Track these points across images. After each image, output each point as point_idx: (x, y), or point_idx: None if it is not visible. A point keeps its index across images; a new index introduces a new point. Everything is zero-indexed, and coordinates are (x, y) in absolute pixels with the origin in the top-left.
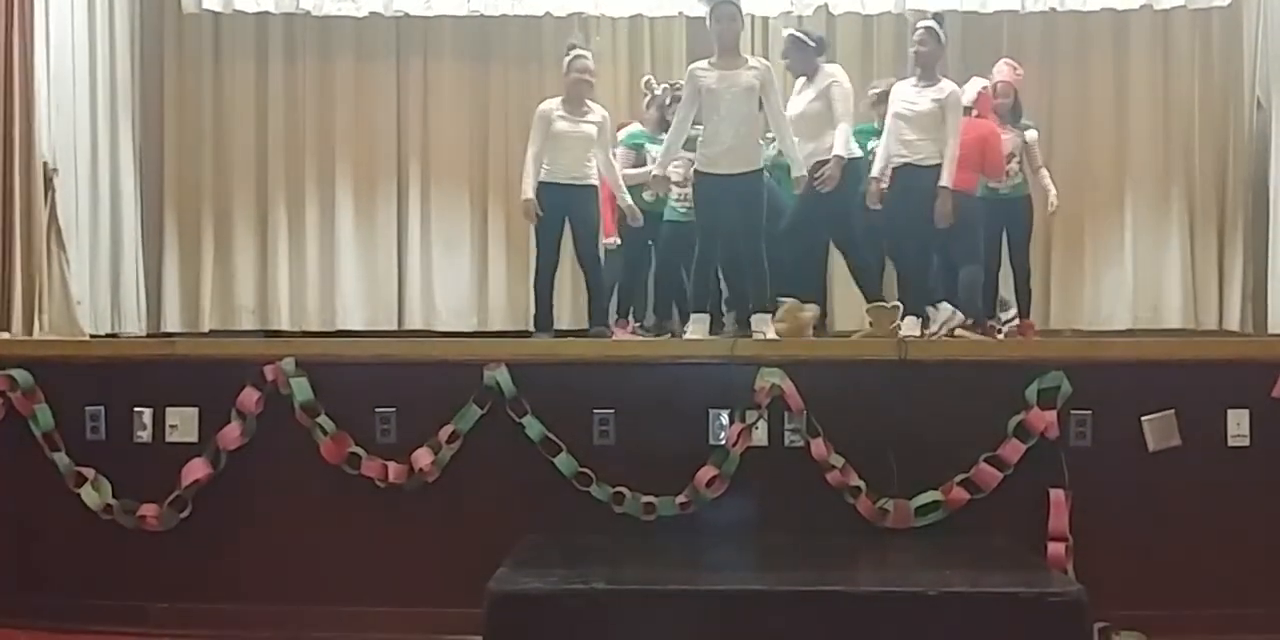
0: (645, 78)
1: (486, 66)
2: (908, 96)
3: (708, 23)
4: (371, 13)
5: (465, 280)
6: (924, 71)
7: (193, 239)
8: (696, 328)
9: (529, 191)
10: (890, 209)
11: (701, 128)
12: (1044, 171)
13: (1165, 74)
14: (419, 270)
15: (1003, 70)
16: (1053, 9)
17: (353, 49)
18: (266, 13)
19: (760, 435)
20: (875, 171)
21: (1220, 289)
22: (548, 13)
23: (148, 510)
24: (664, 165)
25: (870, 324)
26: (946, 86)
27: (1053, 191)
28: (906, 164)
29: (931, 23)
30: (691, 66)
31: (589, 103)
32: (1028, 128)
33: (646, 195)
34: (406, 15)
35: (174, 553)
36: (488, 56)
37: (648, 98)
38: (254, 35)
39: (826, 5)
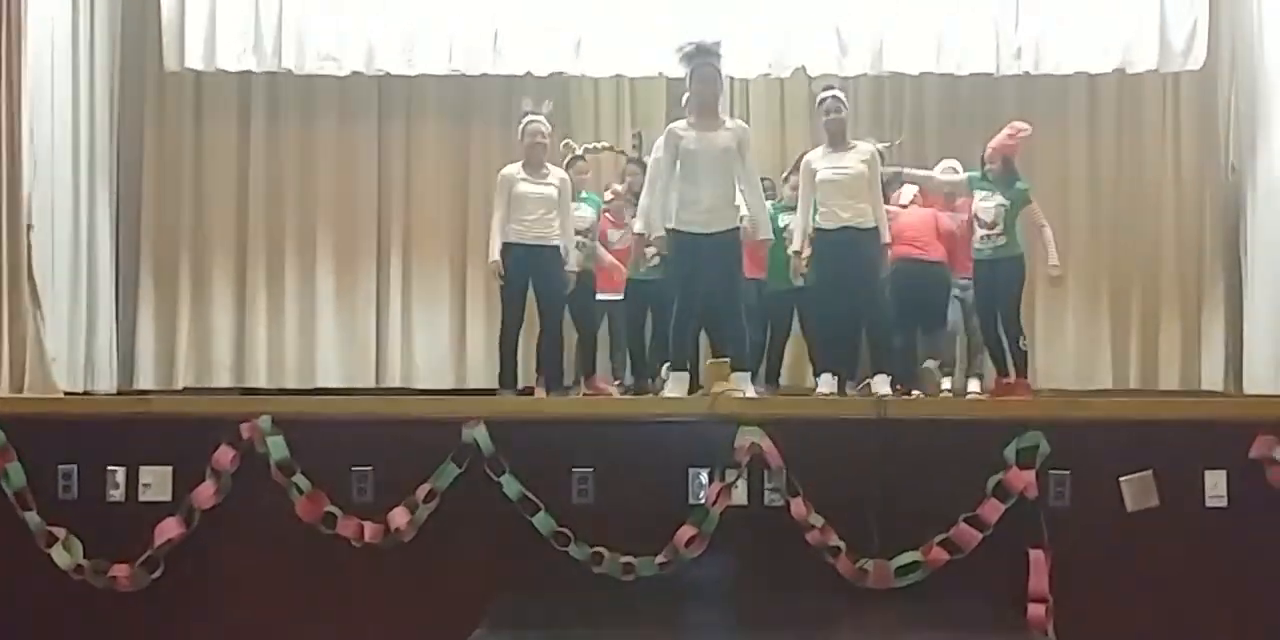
0: (564, 141)
1: (467, 126)
2: (830, 163)
3: (687, 83)
4: (353, 72)
5: (444, 338)
6: (838, 138)
7: (169, 296)
8: (675, 385)
9: (494, 254)
10: (832, 273)
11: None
12: (1046, 230)
13: (1140, 136)
14: (399, 328)
15: (1001, 135)
16: (1027, 72)
17: (335, 109)
18: (249, 72)
19: (740, 494)
20: (797, 244)
21: (1199, 350)
22: (529, 72)
23: (119, 570)
24: (649, 228)
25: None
26: (865, 148)
27: (1052, 253)
28: (845, 227)
29: (838, 92)
30: (671, 126)
31: (548, 165)
32: (1023, 190)
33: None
34: (388, 74)
35: (145, 614)
36: (469, 116)
37: (567, 159)
38: (236, 94)
39: (804, 67)
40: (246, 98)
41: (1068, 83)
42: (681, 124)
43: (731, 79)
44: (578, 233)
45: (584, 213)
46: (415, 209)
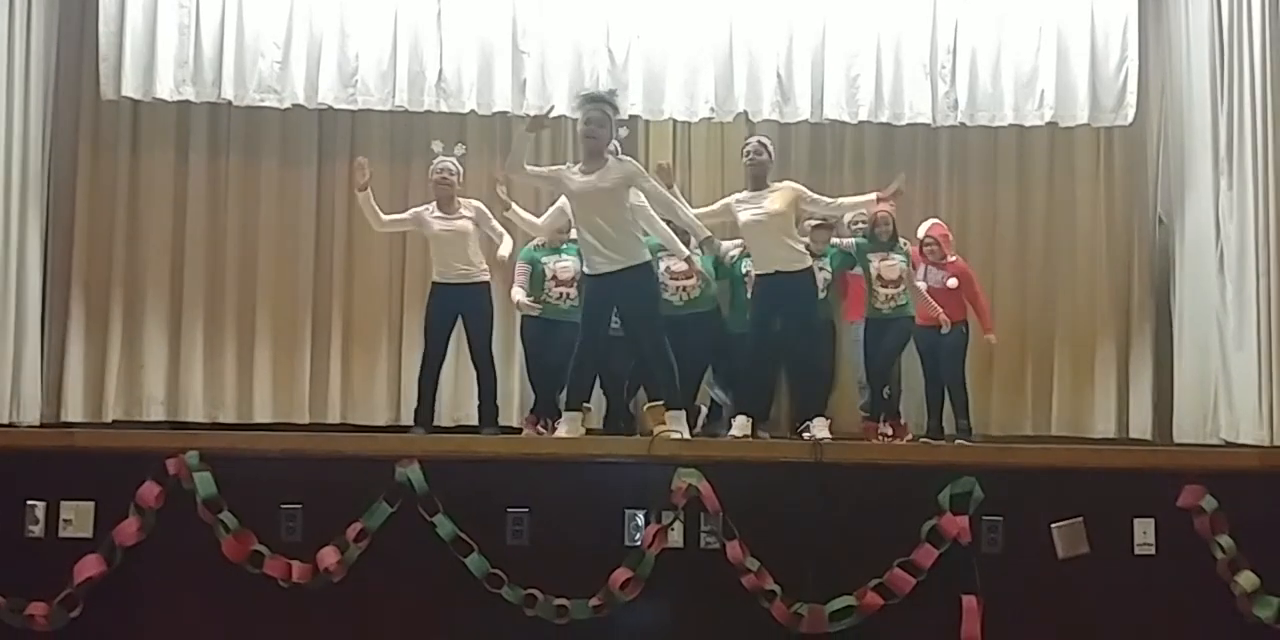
0: None
1: (409, 164)
2: (750, 205)
3: (579, 127)
4: (295, 105)
5: (382, 375)
6: (759, 181)
7: (100, 327)
8: (569, 426)
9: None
10: (768, 317)
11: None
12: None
13: (1071, 189)
14: (338, 364)
15: (879, 203)
16: (963, 124)
17: (277, 143)
18: (188, 102)
19: (676, 537)
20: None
21: (1128, 399)
22: (472, 111)
23: (36, 609)
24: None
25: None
26: (785, 185)
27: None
28: (777, 272)
29: (764, 138)
30: (556, 168)
31: (459, 201)
32: (907, 250)
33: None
34: (330, 108)
35: None
36: (410, 154)
37: None
38: (174, 124)
39: (746, 112)
40: (185, 129)
41: (1002, 134)
42: (571, 167)
43: (673, 121)
44: (560, 283)
45: (567, 263)
46: (356, 244)
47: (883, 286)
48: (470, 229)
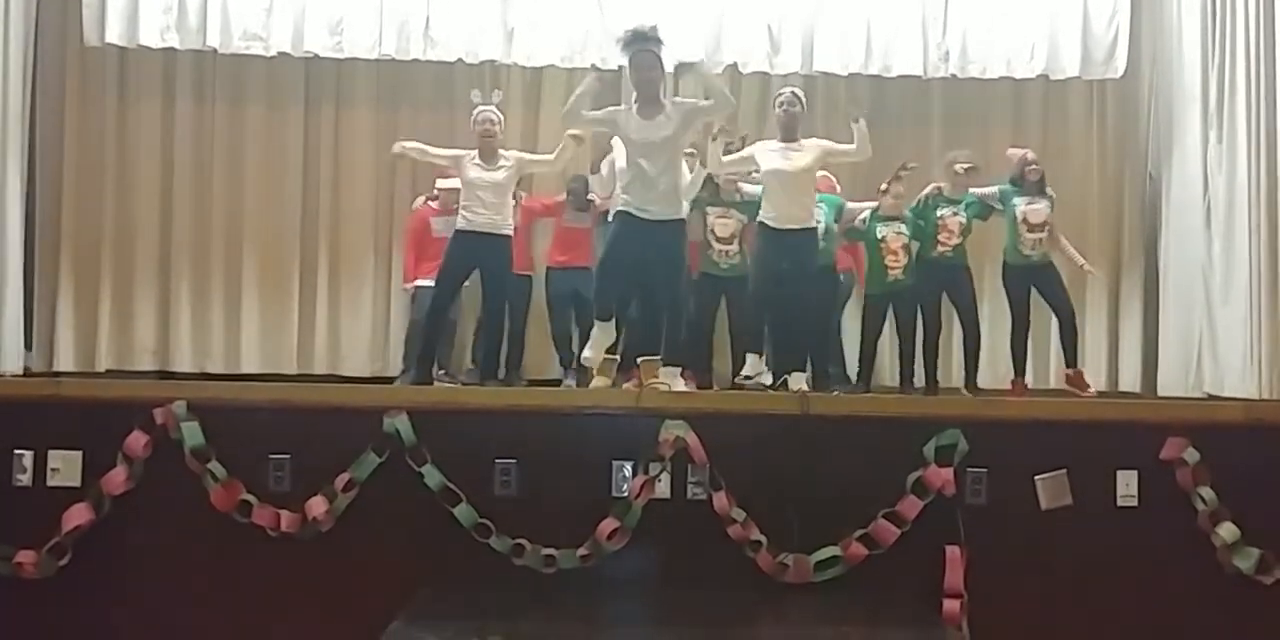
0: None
1: (396, 113)
2: (779, 156)
3: (628, 72)
4: (280, 53)
5: (369, 325)
6: (792, 133)
7: (91, 277)
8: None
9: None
10: (776, 272)
11: (620, 170)
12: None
13: (1063, 142)
14: (325, 314)
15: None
16: (954, 75)
17: (263, 91)
18: (172, 49)
19: (663, 488)
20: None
21: (1118, 353)
22: (460, 59)
23: (25, 557)
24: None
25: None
26: (813, 143)
27: (1076, 255)
28: (795, 229)
29: (797, 89)
30: (613, 110)
31: (501, 153)
32: (1053, 197)
33: None
34: (316, 56)
35: (52, 602)
36: (398, 102)
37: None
38: (160, 73)
39: (736, 63)
40: (171, 77)
41: (994, 87)
42: (629, 109)
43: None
44: (723, 240)
45: (728, 220)
46: (343, 195)
47: (1029, 231)
48: (503, 179)
